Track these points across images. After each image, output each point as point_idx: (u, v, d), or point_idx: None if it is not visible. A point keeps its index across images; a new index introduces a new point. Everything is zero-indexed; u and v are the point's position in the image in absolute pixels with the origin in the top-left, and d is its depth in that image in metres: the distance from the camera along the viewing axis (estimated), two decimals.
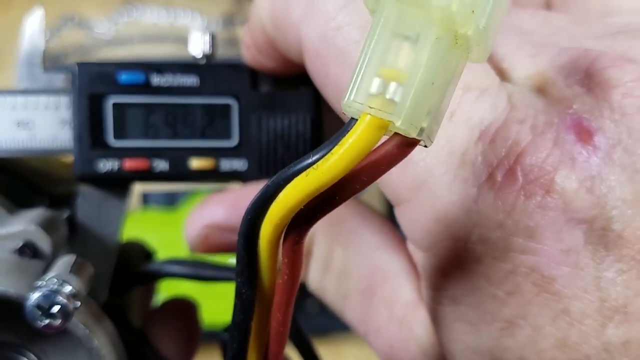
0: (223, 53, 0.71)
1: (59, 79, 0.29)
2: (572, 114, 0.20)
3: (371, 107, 0.16)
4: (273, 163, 0.28)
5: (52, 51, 0.72)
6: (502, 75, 0.22)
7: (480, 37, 0.16)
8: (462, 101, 0.20)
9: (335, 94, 0.23)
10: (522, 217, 0.19)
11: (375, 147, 0.16)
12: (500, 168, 0.20)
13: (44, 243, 0.25)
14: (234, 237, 0.29)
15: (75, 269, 0.23)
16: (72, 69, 0.28)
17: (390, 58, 0.16)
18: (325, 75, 0.23)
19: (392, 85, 0.16)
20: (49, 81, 0.29)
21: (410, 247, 0.24)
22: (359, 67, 0.16)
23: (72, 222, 0.29)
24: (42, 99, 0.29)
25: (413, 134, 0.16)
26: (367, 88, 0.16)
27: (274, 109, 0.28)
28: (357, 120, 0.16)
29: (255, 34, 0.27)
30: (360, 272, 0.25)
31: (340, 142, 0.16)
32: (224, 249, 0.28)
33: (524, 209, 0.19)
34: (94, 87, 0.28)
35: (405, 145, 0.17)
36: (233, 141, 0.28)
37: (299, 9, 0.24)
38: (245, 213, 0.18)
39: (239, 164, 0.28)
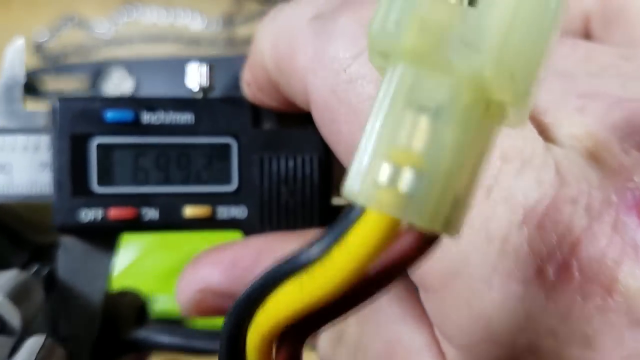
0: (223, 53, 0.67)
1: (41, 116, 0.26)
2: (634, 190, 0.16)
3: (380, 203, 0.12)
4: (276, 210, 0.25)
5: (52, 51, 0.69)
6: (545, 132, 0.18)
7: (520, 102, 0.12)
8: (500, 174, 0.16)
9: (347, 152, 0.20)
10: (579, 323, 0.16)
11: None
12: (552, 261, 0.16)
13: (12, 317, 0.22)
14: (230, 302, 0.25)
15: (42, 357, 0.20)
16: (52, 106, 0.25)
17: (403, 136, 0.12)
18: (336, 131, 0.20)
19: (407, 173, 0.12)
20: (30, 118, 0.26)
21: (438, 334, 0.20)
22: (362, 146, 0.12)
23: (52, 278, 0.26)
24: (21, 139, 0.25)
25: (436, 229, 0.13)
26: (374, 176, 0.12)
27: (277, 149, 0.25)
28: (361, 209, 0.13)
29: (256, 71, 0.23)
30: (377, 347, 0.22)
31: (341, 242, 0.13)
32: (220, 313, 0.24)
33: (581, 314, 0.16)
34: (76, 126, 0.24)
35: (426, 241, 0.13)
36: (232, 186, 0.25)
37: (306, 55, 0.20)
38: (227, 314, 0.15)
39: (237, 211, 0.25)
